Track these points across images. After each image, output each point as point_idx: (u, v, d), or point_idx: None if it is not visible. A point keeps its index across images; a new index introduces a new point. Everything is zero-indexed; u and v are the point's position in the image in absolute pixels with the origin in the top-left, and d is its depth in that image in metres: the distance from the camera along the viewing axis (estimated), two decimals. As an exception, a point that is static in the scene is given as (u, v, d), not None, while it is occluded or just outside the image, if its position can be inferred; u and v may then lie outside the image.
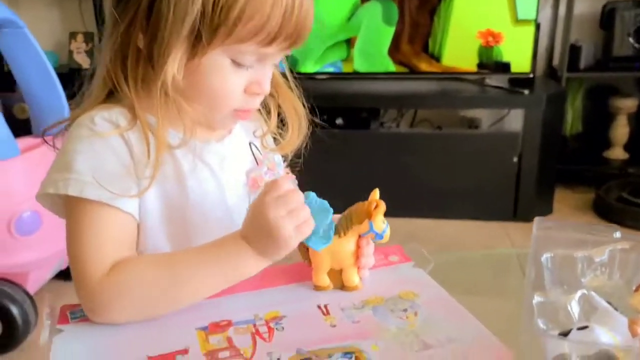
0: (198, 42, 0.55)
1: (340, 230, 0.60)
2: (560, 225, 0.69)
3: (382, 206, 0.58)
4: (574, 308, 0.56)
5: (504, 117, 2.56)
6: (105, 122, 0.58)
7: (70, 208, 0.57)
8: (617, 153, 2.52)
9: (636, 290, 0.55)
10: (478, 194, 2.31)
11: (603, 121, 2.50)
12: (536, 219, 0.69)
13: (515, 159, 2.26)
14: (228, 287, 0.58)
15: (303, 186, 0.61)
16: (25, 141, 1.58)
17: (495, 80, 2.37)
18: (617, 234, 0.64)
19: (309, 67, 2.42)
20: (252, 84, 0.60)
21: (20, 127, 1.82)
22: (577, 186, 2.48)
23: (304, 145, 0.69)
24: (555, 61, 2.50)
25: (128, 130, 0.58)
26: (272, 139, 0.70)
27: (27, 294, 1.48)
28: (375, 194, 0.60)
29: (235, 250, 0.56)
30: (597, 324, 0.49)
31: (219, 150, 0.65)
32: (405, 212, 2.31)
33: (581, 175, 2.46)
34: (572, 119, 2.49)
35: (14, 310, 1.44)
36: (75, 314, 0.57)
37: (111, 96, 0.61)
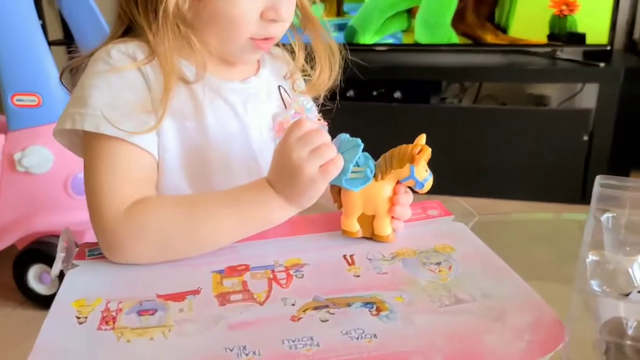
0: None
1: (378, 173, 0.54)
2: (626, 183, 0.61)
3: (428, 152, 0.53)
4: (637, 272, 0.49)
5: (575, 95, 2.39)
6: (122, 55, 0.56)
7: (87, 144, 0.55)
8: (703, 135, 2.30)
9: None
10: (544, 174, 2.18)
11: (688, 100, 2.29)
12: (599, 176, 0.62)
13: (585, 138, 2.11)
14: (251, 235, 0.54)
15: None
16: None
17: (568, 53, 2.22)
18: (693, 195, 0.56)
19: (368, 39, 2.35)
20: (267, 8, 0.56)
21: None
22: (655, 170, 2.30)
23: (339, 86, 0.64)
24: (637, 34, 2.31)
25: (146, 64, 0.55)
26: (303, 83, 0.66)
27: (82, 252, 1.53)
28: (422, 138, 0.54)
29: (260, 195, 0.53)
30: (661, 286, 0.42)
31: (242, 90, 0.61)
32: (466, 191, 2.21)
33: (661, 158, 2.28)
34: (653, 96, 2.29)
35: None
36: (93, 252, 0.55)
37: (129, 33, 0.59)
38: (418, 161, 0.53)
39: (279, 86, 0.64)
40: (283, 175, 0.52)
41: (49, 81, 1.43)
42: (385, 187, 0.54)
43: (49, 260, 1.47)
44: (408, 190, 0.56)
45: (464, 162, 2.24)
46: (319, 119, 0.65)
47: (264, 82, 0.64)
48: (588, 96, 2.30)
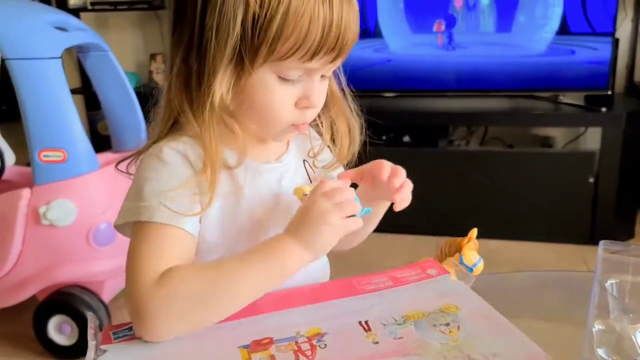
0: (242, 62, 0.57)
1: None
2: (629, 248, 0.65)
3: (474, 242, 0.65)
4: (639, 339, 0.53)
5: (580, 136, 2.44)
6: (172, 152, 0.60)
7: (137, 229, 0.59)
8: None
9: None
10: (552, 216, 2.21)
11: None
12: (602, 241, 0.66)
13: (591, 180, 2.15)
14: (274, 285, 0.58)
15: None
16: (104, 156, 1.68)
17: (570, 97, 2.28)
18: (692, 260, 0.59)
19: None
20: (300, 98, 0.61)
21: (103, 143, 1.96)
22: (662, 210, 2.32)
23: (355, 160, 0.69)
24: (637, 78, 2.37)
25: (202, 174, 0.59)
26: (329, 154, 0.71)
27: (102, 301, 1.56)
28: (473, 232, 0.67)
29: (278, 245, 0.57)
30: (662, 356, 0.46)
31: (277, 168, 0.67)
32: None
33: (667, 197, 2.30)
34: (657, 137, 2.34)
35: (90, 316, 1.52)
36: (118, 334, 0.56)
37: (176, 125, 0.63)
38: (465, 250, 0.65)
39: (304, 160, 0.70)
40: (303, 223, 0.57)
41: (74, 136, 1.50)
42: None
43: (70, 311, 1.51)
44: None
45: (472, 204, 2.27)
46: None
47: (292, 158, 0.69)
48: (592, 137, 2.35)
